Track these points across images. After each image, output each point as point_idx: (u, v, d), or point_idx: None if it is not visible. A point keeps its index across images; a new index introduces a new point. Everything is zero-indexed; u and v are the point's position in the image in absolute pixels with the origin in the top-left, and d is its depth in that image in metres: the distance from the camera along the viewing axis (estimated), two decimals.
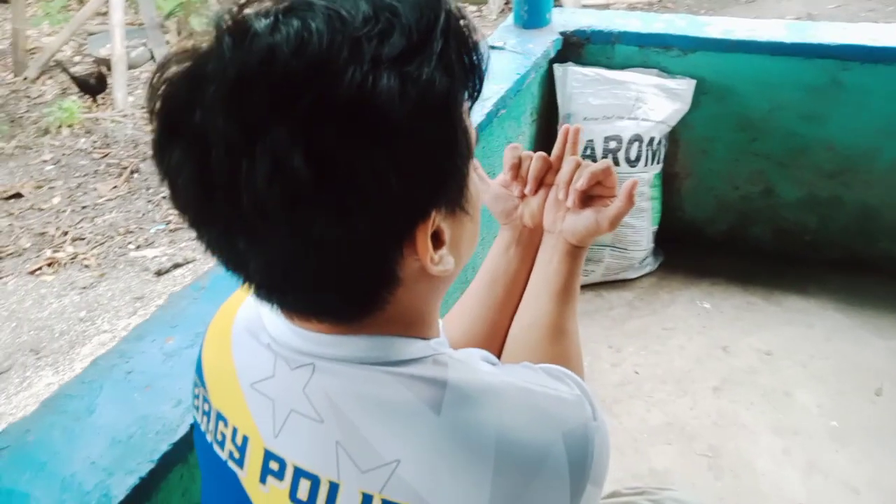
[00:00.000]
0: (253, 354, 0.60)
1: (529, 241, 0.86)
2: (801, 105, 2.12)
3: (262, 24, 0.45)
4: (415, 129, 0.46)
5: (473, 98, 0.53)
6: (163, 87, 0.48)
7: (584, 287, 2.41)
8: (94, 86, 4.49)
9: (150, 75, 0.49)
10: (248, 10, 0.47)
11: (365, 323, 0.55)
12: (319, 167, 0.44)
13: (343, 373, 0.54)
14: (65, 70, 4.68)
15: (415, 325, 0.58)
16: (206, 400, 0.64)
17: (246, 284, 0.54)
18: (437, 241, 0.53)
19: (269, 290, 0.53)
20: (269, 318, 0.59)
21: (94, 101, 4.47)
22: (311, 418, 0.54)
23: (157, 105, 0.48)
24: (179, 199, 0.50)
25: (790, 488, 1.73)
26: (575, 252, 0.80)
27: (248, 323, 0.62)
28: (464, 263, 0.60)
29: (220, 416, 0.62)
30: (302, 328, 0.56)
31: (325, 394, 0.54)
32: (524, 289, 0.85)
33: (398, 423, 0.52)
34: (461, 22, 0.50)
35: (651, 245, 2.39)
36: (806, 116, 2.14)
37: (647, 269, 2.43)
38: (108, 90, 4.57)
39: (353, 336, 0.55)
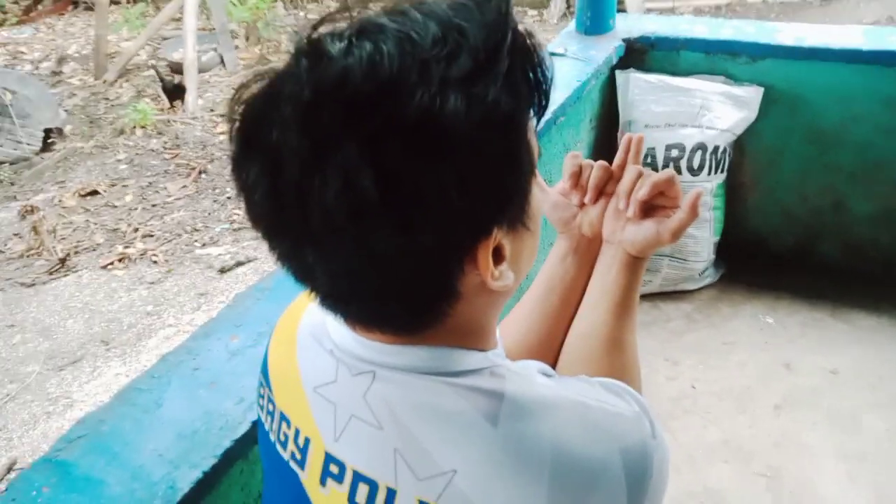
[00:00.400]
0: (317, 359, 0.62)
1: (587, 251, 0.85)
2: (877, 116, 2.03)
3: (336, 47, 0.47)
4: (479, 148, 0.47)
5: (539, 115, 0.54)
6: (242, 107, 0.51)
7: (642, 297, 2.35)
8: (174, 90, 4.67)
9: (231, 96, 0.52)
10: (323, 31, 0.49)
11: (425, 334, 0.56)
12: (386, 184, 0.46)
13: (402, 382, 0.56)
14: (156, 71, 4.86)
15: (473, 337, 0.59)
16: (270, 400, 0.66)
17: (311, 293, 0.56)
18: (498, 256, 0.54)
19: (334, 300, 0.55)
20: (332, 325, 0.61)
21: (172, 105, 4.65)
22: (370, 424, 0.56)
23: (237, 124, 0.51)
24: (254, 213, 0.52)
25: None
26: (634, 263, 0.79)
27: (313, 328, 0.64)
28: (523, 277, 0.60)
29: (283, 417, 0.64)
30: (364, 337, 0.58)
31: (384, 401, 0.56)
32: (581, 298, 0.83)
33: (455, 434, 0.53)
34: (528, 40, 0.51)
35: (712, 256, 2.33)
36: (883, 128, 2.04)
37: (708, 281, 2.37)
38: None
39: (414, 346, 0.56)
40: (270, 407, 0.66)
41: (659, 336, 2.24)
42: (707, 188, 2.19)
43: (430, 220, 0.48)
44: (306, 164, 0.46)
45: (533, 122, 0.54)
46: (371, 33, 0.48)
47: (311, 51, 0.48)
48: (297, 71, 0.48)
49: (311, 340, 0.63)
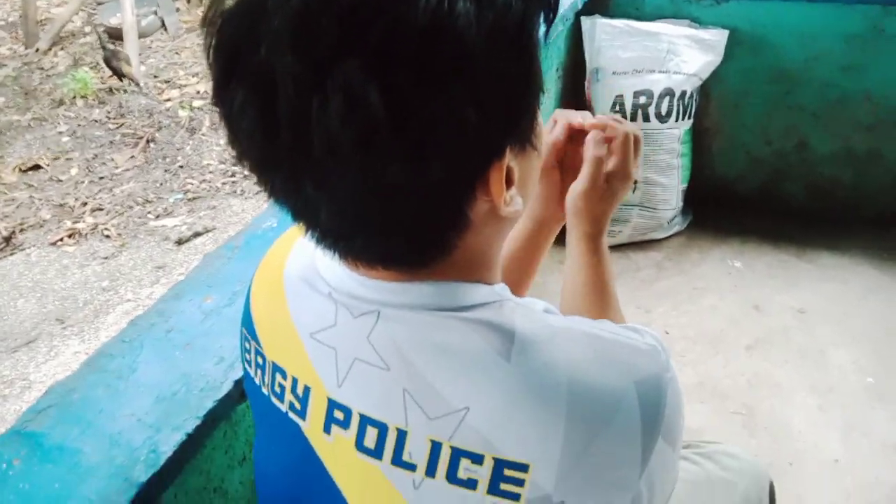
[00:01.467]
0: (311, 304, 0.58)
1: (537, 226, 0.86)
2: (839, 55, 2.05)
3: None
4: (492, 58, 0.43)
5: (549, 22, 0.50)
6: (219, 23, 0.44)
7: (612, 248, 2.36)
8: (119, 69, 4.40)
9: (205, 10, 0.46)
10: None
11: (431, 268, 0.53)
12: (396, 102, 0.41)
13: (409, 319, 0.53)
14: (99, 37, 4.55)
15: (480, 270, 0.56)
16: (259, 353, 0.62)
17: (308, 231, 0.51)
18: (508, 180, 0.50)
19: (335, 236, 0.51)
20: (326, 267, 0.57)
21: (120, 78, 4.38)
22: (376, 366, 0.52)
23: (213, 42, 0.45)
24: (241, 143, 0.47)
25: (827, 446, 1.71)
26: (592, 241, 0.79)
27: (303, 272, 0.59)
28: (529, 200, 0.57)
29: (276, 368, 0.60)
30: (364, 276, 0.54)
31: (391, 341, 0.52)
32: (529, 275, 0.86)
33: (466, 371, 0.51)
34: None
35: (680, 204, 2.34)
36: (844, 67, 2.06)
37: (676, 229, 2.39)
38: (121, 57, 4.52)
39: (419, 282, 0.53)
40: (259, 360, 0.62)
41: (630, 285, 2.25)
42: (675, 135, 2.18)
43: (444, 142, 0.43)
44: (302, 84, 0.41)
45: (542, 30, 0.50)
46: None
47: None
48: None
49: (302, 285, 0.59)
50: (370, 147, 0.42)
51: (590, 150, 0.76)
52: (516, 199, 0.52)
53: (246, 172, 0.49)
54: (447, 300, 0.53)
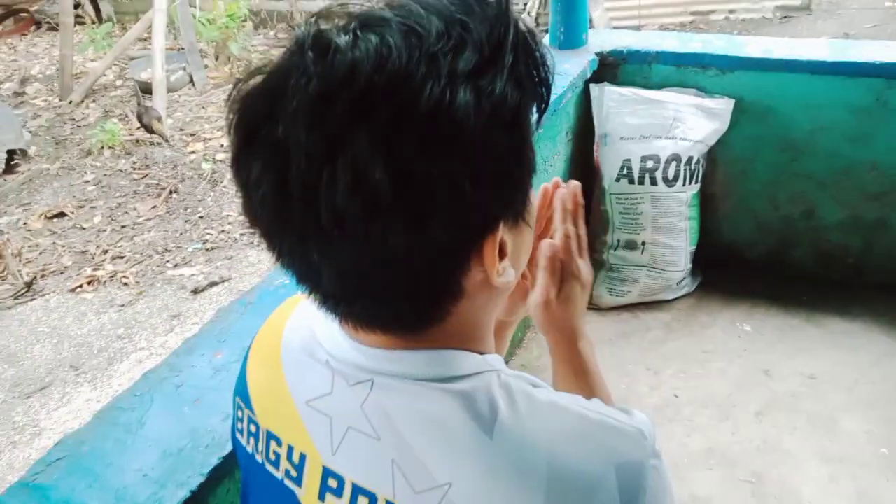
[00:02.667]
0: (308, 372, 0.60)
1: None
2: (844, 125, 2.09)
3: (342, 39, 0.46)
4: (488, 141, 0.47)
5: (541, 112, 0.54)
6: (242, 101, 0.49)
7: (621, 308, 2.38)
8: (150, 125, 4.55)
9: (230, 90, 0.51)
10: (324, 25, 0.49)
11: (427, 335, 0.55)
12: (399, 177, 0.45)
13: (400, 389, 0.54)
14: (139, 103, 4.73)
15: (472, 339, 0.58)
16: (252, 421, 0.64)
17: (311, 295, 0.54)
18: (501, 252, 0.53)
19: (337, 300, 0.54)
20: (325, 335, 0.60)
21: (150, 132, 4.52)
22: (368, 435, 0.54)
23: (236, 119, 0.49)
24: (255, 210, 0.50)
25: None
26: (568, 347, 0.77)
27: (302, 341, 0.62)
28: (520, 273, 0.60)
29: (270, 435, 0.61)
30: (362, 343, 0.56)
31: (382, 411, 0.54)
32: None
33: (451, 446, 0.52)
34: (529, 36, 0.51)
35: (689, 266, 2.35)
36: (850, 137, 2.10)
37: (685, 291, 2.40)
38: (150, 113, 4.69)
39: (413, 351, 0.55)
40: (252, 428, 0.64)
41: (639, 346, 2.25)
42: (682, 199, 2.22)
43: (442, 214, 0.47)
44: (315, 158, 0.45)
45: (534, 118, 0.54)
46: (375, 26, 0.47)
47: (316, 43, 0.47)
48: (303, 63, 0.46)
49: (301, 354, 0.61)
50: (373, 217, 0.46)
51: (540, 258, 0.75)
52: (508, 270, 0.54)
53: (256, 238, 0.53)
54: (439, 370, 0.55)
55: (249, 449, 0.64)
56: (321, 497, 0.57)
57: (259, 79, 0.49)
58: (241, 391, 0.66)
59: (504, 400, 0.53)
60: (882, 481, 1.76)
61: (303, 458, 0.58)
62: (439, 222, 0.47)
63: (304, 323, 0.62)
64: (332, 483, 0.56)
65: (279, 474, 0.60)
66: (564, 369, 0.77)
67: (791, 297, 2.34)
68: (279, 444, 0.60)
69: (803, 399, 2.01)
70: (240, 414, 0.66)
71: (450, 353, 0.56)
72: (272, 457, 0.61)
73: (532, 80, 0.51)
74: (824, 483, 1.77)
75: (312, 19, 0.49)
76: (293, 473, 0.59)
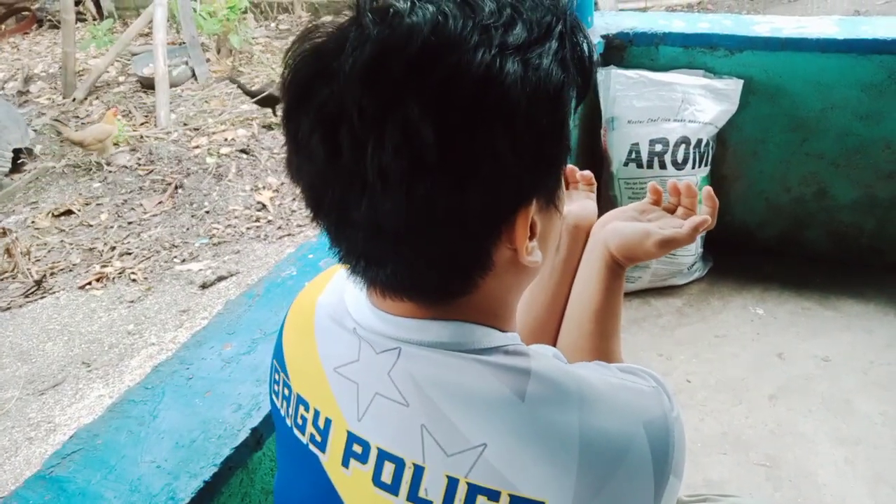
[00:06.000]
0: (337, 340, 0.61)
1: (569, 252, 0.86)
2: (856, 103, 2.06)
3: (401, 5, 0.49)
4: (531, 113, 0.49)
5: (579, 99, 0.55)
6: (297, 60, 0.51)
7: (632, 294, 2.36)
8: (270, 99, 4.50)
9: (287, 49, 0.53)
10: None
11: (452, 307, 0.56)
12: (445, 139, 0.46)
13: (428, 357, 0.55)
14: (240, 86, 4.70)
15: (496, 317, 0.59)
16: (286, 385, 0.65)
17: (344, 257, 0.55)
18: (531, 231, 0.55)
19: (369, 261, 0.54)
20: (353, 304, 0.61)
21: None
22: (396, 401, 0.55)
23: (290, 76, 0.51)
24: (299, 166, 0.52)
25: (856, 501, 1.66)
26: (617, 268, 0.80)
27: (331, 310, 0.63)
28: (548, 259, 0.60)
29: (300, 400, 0.62)
30: (388, 313, 0.57)
31: (410, 377, 0.55)
32: (565, 305, 0.84)
33: (484, 409, 0.52)
34: (577, 29, 0.54)
35: (700, 250, 2.33)
36: (861, 115, 2.07)
37: (696, 275, 2.38)
38: (152, 108, 4.69)
39: (439, 321, 0.56)
40: (286, 392, 0.65)
41: (651, 331, 2.23)
42: (692, 181, 2.19)
43: (482, 180, 0.48)
44: (367, 117, 0.47)
45: (573, 103, 0.55)
46: None
47: (375, 7, 0.49)
48: (362, 25, 0.48)
49: (330, 322, 0.62)
50: (417, 175, 0.47)
51: (694, 232, 0.77)
52: (536, 251, 0.55)
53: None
54: (465, 341, 0.56)
55: (282, 412, 0.65)
56: (345, 463, 0.57)
57: (316, 39, 0.51)
58: (278, 355, 0.68)
59: (534, 367, 0.54)
60: None
61: (328, 423, 0.59)
62: (478, 187, 0.49)
63: (336, 292, 0.64)
64: (357, 449, 0.56)
65: (304, 439, 0.61)
66: (605, 286, 0.78)
67: (804, 280, 2.32)
68: (307, 408, 0.61)
69: (817, 382, 2.00)
70: (276, 377, 0.67)
71: (474, 327, 0.57)
72: (299, 421, 0.62)
73: (575, 65, 0.53)
74: (840, 465, 1.76)
75: None
76: (318, 438, 0.60)
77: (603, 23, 2.25)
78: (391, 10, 0.49)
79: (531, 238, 0.54)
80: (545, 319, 0.85)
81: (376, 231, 0.50)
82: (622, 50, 2.22)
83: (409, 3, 0.49)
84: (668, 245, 0.76)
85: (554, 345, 0.83)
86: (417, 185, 0.47)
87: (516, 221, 0.52)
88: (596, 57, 0.55)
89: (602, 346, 0.78)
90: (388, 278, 0.55)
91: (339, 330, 0.61)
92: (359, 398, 0.57)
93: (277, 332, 0.70)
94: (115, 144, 4.35)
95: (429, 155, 0.46)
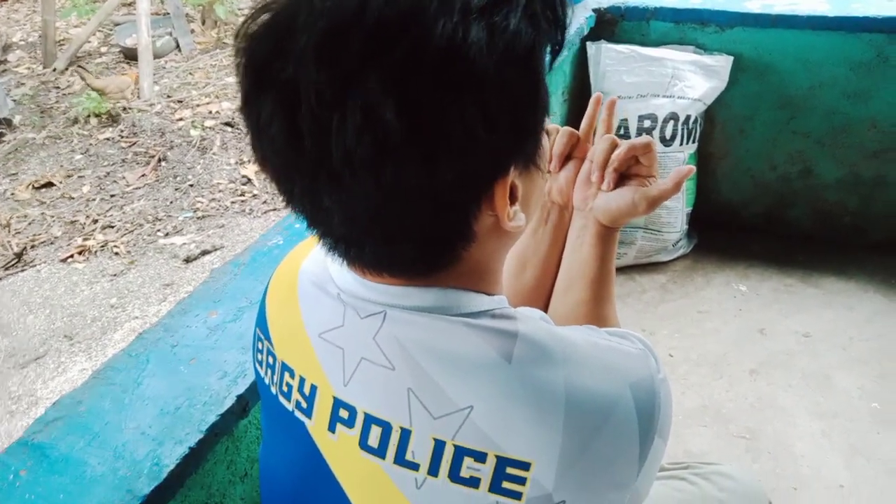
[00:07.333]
0: (321, 305, 0.60)
1: (559, 221, 0.84)
2: (844, 82, 2.06)
3: None
4: (501, 80, 0.46)
5: (555, 53, 0.53)
6: (249, 42, 0.48)
7: (617, 270, 2.36)
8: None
9: (237, 29, 0.49)
10: None
11: (435, 277, 0.55)
12: (410, 117, 0.44)
13: (414, 321, 0.54)
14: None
15: (482, 281, 0.58)
16: (270, 353, 0.64)
17: (322, 239, 0.54)
18: (512, 196, 0.53)
19: (347, 243, 0.53)
20: (336, 271, 0.60)
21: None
22: (382, 366, 0.54)
23: (244, 60, 0.48)
24: (265, 152, 0.50)
25: (831, 471, 1.70)
26: (607, 234, 0.79)
27: (315, 276, 0.62)
28: (532, 219, 0.59)
29: (285, 367, 0.62)
30: (372, 282, 0.56)
31: (396, 341, 0.54)
32: (557, 270, 0.83)
33: (470, 371, 0.52)
34: None
35: (685, 227, 2.35)
36: (849, 93, 2.08)
37: (681, 252, 2.39)
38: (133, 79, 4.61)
39: (424, 287, 0.55)
40: (270, 360, 0.64)
41: (635, 307, 2.25)
42: (680, 158, 2.20)
43: (453, 155, 0.46)
44: (325, 97, 0.44)
45: (547, 59, 0.52)
46: None
47: None
48: (311, 0, 0.45)
49: (313, 288, 0.61)
50: (384, 158, 0.45)
51: (678, 183, 0.74)
52: (519, 214, 0.54)
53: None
54: (451, 305, 0.55)
55: (266, 380, 0.65)
56: (331, 428, 0.57)
57: (266, 17, 0.47)
58: (261, 322, 0.67)
59: (521, 329, 0.54)
60: (873, 434, 1.79)
61: (314, 389, 0.58)
62: (450, 164, 0.46)
63: (320, 260, 0.63)
64: (344, 414, 0.56)
65: (290, 405, 0.61)
66: (598, 252, 0.78)
67: (787, 258, 2.34)
68: (292, 375, 0.60)
69: (798, 357, 2.03)
70: (259, 346, 0.67)
71: (460, 293, 0.56)
72: (285, 388, 0.61)
73: (547, 19, 0.49)
74: (817, 437, 1.79)
75: None
76: (303, 405, 0.59)
77: None
78: None
79: (512, 203, 0.53)
80: (536, 285, 0.84)
81: (349, 214, 0.49)
82: (613, 24, 2.20)
83: None
84: (658, 202, 0.75)
85: (545, 311, 0.82)
86: (384, 168, 0.45)
87: (495, 191, 0.51)
88: (569, 8, 0.52)
89: (598, 311, 0.77)
90: (368, 258, 0.54)
91: (322, 296, 0.60)
92: (344, 363, 0.56)
93: (260, 300, 0.69)
94: (97, 116, 4.28)
95: (393, 135, 0.44)
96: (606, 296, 0.79)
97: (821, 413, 1.86)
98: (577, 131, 0.83)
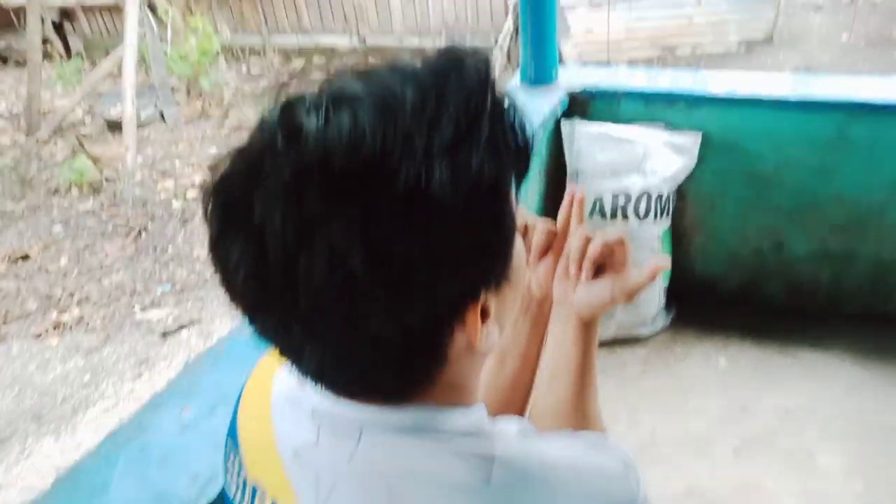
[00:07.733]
0: (295, 423, 0.58)
1: (539, 313, 0.84)
2: (809, 158, 2.14)
3: (312, 121, 0.45)
4: (466, 216, 0.46)
5: (520, 180, 0.53)
6: (217, 186, 0.48)
7: (598, 344, 2.37)
8: None
9: (204, 177, 0.50)
10: (293, 96, 0.48)
11: (410, 397, 0.54)
12: (376, 262, 0.44)
13: (388, 443, 0.54)
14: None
15: (458, 395, 0.58)
16: (240, 471, 0.62)
17: (295, 368, 0.53)
18: (484, 316, 0.53)
19: (319, 374, 0.53)
20: (310, 387, 0.58)
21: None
22: (356, 490, 0.53)
23: (212, 204, 0.48)
24: (235, 291, 0.49)
25: None
26: (588, 326, 0.79)
27: (289, 391, 0.61)
28: (506, 328, 0.59)
29: (255, 490, 0.60)
30: (346, 400, 0.55)
31: (370, 464, 0.53)
32: (536, 362, 0.83)
33: (444, 498, 0.51)
34: (507, 104, 0.51)
35: (663, 300, 2.37)
36: (814, 170, 2.15)
37: (660, 326, 2.41)
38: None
39: (400, 407, 0.54)
40: (239, 479, 0.62)
41: (616, 381, 2.25)
42: (654, 234, 2.24)
43: (421, 292, 0.46)
44: (292, 243, 0.44)
45: (513, 185, 0.53)
46: (347, 102, 0.46)
47: (285, 126, 0.46)
48: (274, 148, 0.45)
49: (287, 404, 0.60)
50: (352, 301, 0.45)
51: (653, 275, 0.74)
52: (492, 333, 0.54)
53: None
54: (427, 426, 0.54)
55: (235, 499, 0.62)
56: None
57: (236, 160, 0.48)
58: (233, 433, 0.65)
59: (499, 451, 0.53)
60: None
61: None
62: (420, 301, 0.46)
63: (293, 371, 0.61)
64: None
65: None
66: (578, 347, 0.76)
67: (764, 329, 2.37)
68: (263, 499, 0.58)
69: (780, 434, 2.02)
70: (231, 457, 0.64)
71: (436, 411, 0.55)
72: None
73: (510, 149, 0.50)
74: None
75: (279, 87, 0.48)
76: None
77: (568, 77, 2.31)
78: (303, 128, 0.45)
79: (484, 323, 0.52)
80: (515, 379, 0.83)
81: (321, 351, 0.49)
82: (586, 104, 2.27)
83: (321, 117, 0.45)
84: (635, 293, 0.76)
85: (526, 401, 0.81)
86: (352, 311, 0.45)
87: (466, 316, 0.51)
88: (530, 134, 0.52)
89: (581, 406, 0.76)
90: (343, 387, 0.54)
91: (296, 412, 0.58)
92: (318, 486, 0.54)
93: (233, 407, 0.68)
94: (78, 186, 4.28)
95: (360, 280, 0.44)
96: (590, 384, 0.78)
97: (806, 495, 1.84)
98: (553, 227, 0.84)
